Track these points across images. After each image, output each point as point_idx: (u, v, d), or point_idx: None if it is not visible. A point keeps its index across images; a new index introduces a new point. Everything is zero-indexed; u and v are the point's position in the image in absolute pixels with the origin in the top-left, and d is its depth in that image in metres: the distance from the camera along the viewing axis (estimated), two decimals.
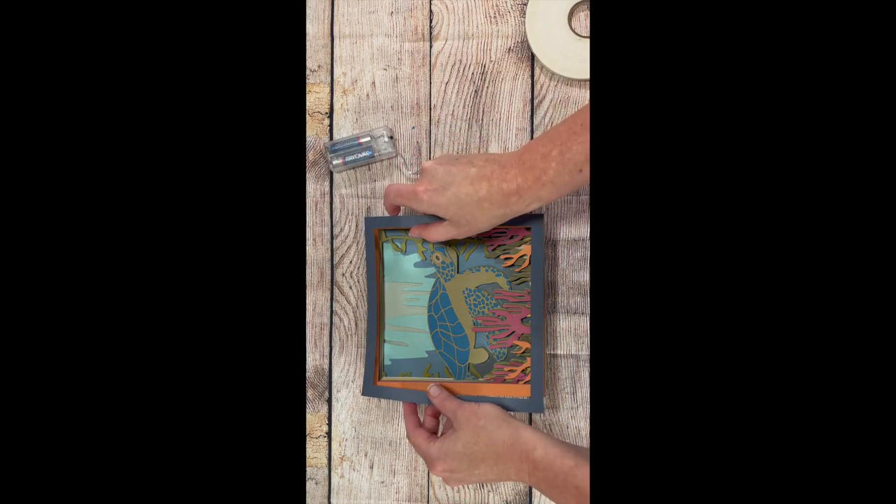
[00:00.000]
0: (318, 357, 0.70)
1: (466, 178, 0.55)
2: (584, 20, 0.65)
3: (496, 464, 0.56)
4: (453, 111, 0.67)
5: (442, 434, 0.62)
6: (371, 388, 0.66)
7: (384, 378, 0.67)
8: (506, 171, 0.54)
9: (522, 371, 0.64)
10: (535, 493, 0.67)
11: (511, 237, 0.64)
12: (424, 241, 0.65)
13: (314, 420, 0.71)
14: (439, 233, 0.60)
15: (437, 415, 0.66)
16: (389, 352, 0.68)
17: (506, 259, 0.64)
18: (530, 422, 0.67)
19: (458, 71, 0.67)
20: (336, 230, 0.69)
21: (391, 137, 0.67)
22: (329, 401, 0.70)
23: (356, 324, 0.69)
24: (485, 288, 0.65)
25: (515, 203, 0.54)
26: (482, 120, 0.67)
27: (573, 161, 0.51)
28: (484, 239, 0.65)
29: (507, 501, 0.68)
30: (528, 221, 0.63)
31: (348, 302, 0.69)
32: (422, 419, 0.65)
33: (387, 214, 0.68)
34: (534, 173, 0.53)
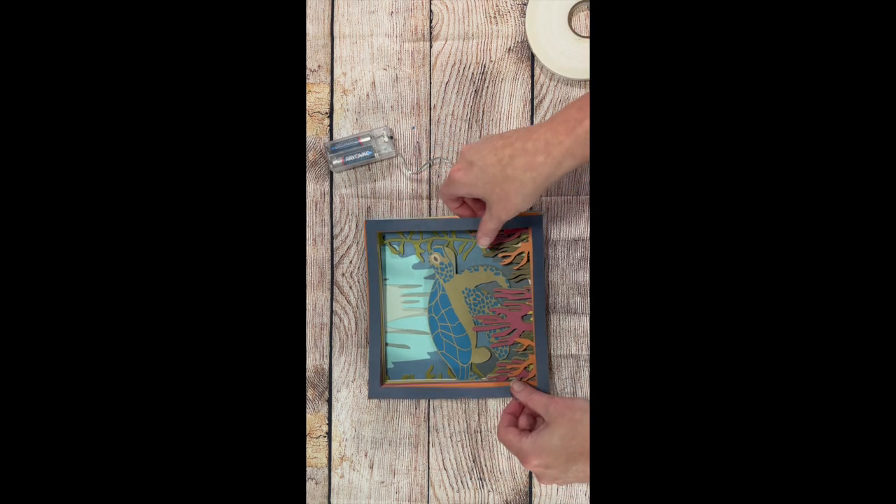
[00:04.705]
0: (318, 357, 0.70)
1: (492, 149, 0.53)
2: (584, 20, 0.65)
3: None
4: (453, 111, 0.67)
5: (532, 430, 0.59)
6: (377, 389, 0.65)
7: (387, 382, 0.67)
8: (531, 132, 0.52)
9: (525, 369, 0.65)
10: (535, 493, 0.67)
11: (508, 235, 0.64)
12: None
13: (314, 420, 0.71)
14: (486, 225, 0.58)
15: (532, 414, 0.62)
16: (391, 355, 0.68)
17: (504, 257, 0.65)
18: None
19: (458, 71, 0.67)
20: (336, 230, 0.69)
21: (391, 137, 0.67)
22: (329, 401, 0.70)
23: (356, 324, 0.69)
24: (484, 287, 0.65)
25: (543, 164, 0.50)
26: (482, 120, 0.67)
27: None
28: None
29: (507, 501, 0.68)
30: (527, 223, 0.63)
31: (348, 302, 0.69)
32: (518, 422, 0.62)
33: (386, 217, 0.68)
34: (566, 125, 0.49)
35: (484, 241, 0.60)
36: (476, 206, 0.61)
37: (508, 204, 0.54)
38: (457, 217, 0.64)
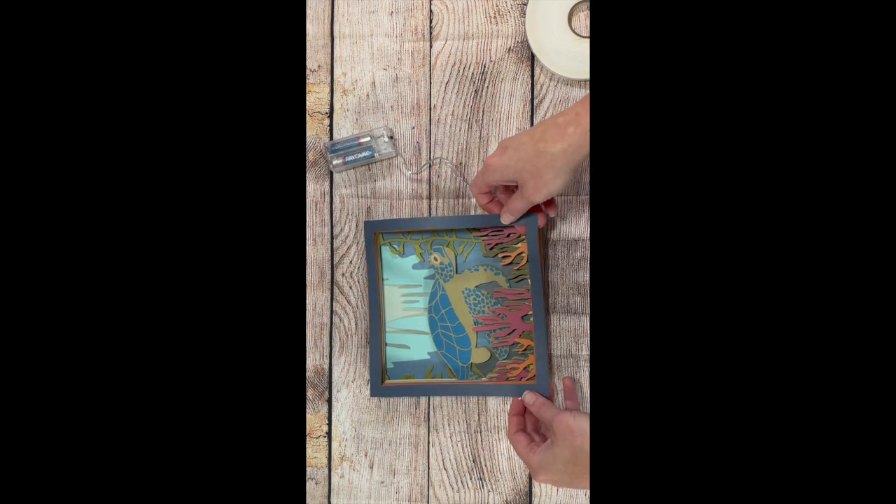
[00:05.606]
0: (318, 357, 0.70)
1: (526, 132, 0.55)
2: (584, 20, 0.65)
3: None
4: (453, 111, 0.67)
5: (542, 439, 0.59)
6: (378, 388, 0.66)
7: (387, 381, 0.67)
8: (565, 113, 0.53)
9: (525, 368, 0.65)
10: (535, 493, 0.67)
11: (508, 235, 0.64)
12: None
13: (314, 420, 0.71)
14: (513, 204, 0.58)
15: (538, 429, 0.63)
16: (391, 355, 0.68)
17: (504, 257, 0.65)
18: None
19: (458, 71, 0.67)
20: (336, 230, 0.69)
21: (391, 137, 0.67)
22: (329, 401, 0.70)
23: (356, 324, 0.69)
24: (484, 287, 0.65)
25: (573, 133, 0.51)
26: (482, 120, 0.67)
27: None
28: (481, 238, 0.65)
29: (507, 501, 0.68)
30: (523, 219, 0.63)
31: (348, 302, 0.69)
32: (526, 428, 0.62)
33: (386, 217, 0.68)
34: None
35: (507, 217, 0.60)
36: (507, 197, 0.60)
37: (539, 181, 0.54)
38: (461, 216, 0.64)
